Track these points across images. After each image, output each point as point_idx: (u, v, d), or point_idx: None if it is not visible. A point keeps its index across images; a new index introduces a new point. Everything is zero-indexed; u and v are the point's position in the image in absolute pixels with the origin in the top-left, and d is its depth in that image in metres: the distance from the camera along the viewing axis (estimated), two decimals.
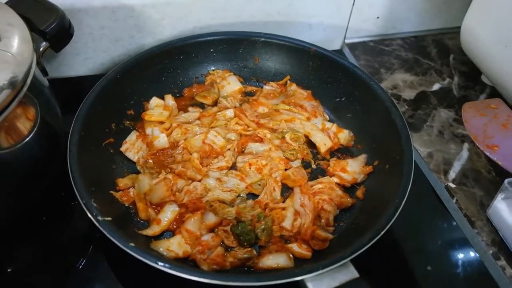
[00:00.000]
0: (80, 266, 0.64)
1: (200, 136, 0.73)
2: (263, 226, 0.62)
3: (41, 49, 0.68)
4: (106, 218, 0.55)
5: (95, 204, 0.57)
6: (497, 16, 0.79)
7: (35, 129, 0.62)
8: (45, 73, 0.70)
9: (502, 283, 0.63)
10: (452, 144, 0.81)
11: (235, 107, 0.81)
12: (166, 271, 0.50)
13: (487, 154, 0.66)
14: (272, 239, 0.63)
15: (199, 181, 0.69)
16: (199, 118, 0.79)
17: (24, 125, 0.61)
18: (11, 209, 0.64)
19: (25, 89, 0.57)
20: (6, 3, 0.67)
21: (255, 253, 0.61)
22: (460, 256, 0.67)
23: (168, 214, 0.64)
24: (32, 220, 0.67)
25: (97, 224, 0.54)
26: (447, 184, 0.74)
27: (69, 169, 0.60)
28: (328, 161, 0.75)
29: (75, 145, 0.63)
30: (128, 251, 0.52)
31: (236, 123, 0.77)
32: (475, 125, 0.71)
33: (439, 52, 1.01)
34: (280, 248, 0.61)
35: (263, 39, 0.85)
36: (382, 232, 0.55)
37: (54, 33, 0.68)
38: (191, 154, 0.71)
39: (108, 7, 0.82)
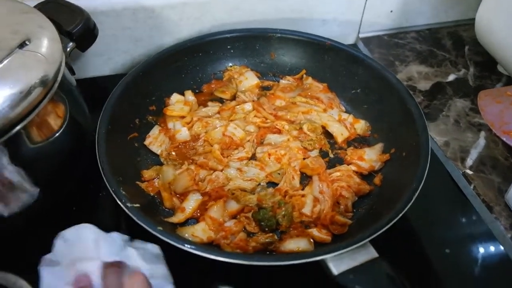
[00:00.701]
0: None
1: (220, 129, 0.76)
2: (283, 212, 0.64)
3: (68, 49, 0.71)
4: (135, 205, 0.58)
5: (123, 192, 0.59)
6: (510, 6, 0.80)
7: (65, 125, 0.65)
8: (72, 72, 0.74)
9: None
10: (469, 133, 0.81)
11: (253, 101, 0.83)
12: (194, 252, 0.52)
13: (504, 139, 0.67)
14: (292, 224, 0.65)
15: (221, 171, 0.71)
16: (218, 112, 0.81)
17: (55, 121, 0.64)
18: (43, 200, 0.67)
19: (55, 86, 0.60)
20: (34, 6, 0.71)
21: (276, 238, 0.63)
22: (479, 240, 0.67)
23: (192, 202, 0.67)
24: (63, 211, 0.70)
25: (126, 210, 0.57)
26: (465, 171, 0.75)
27: (98, 160, 0.63)
28: (346, 150, 0.76)
29: (102, 139, 0.66)
30: (157, 234, 0.54)
31: (255, 116, 0.79)
32: (491, 112, 0.71)
33: (454, 43, 1.01)
34: (300, 233, 0.63)
35: (278, 35, 0.87)
36: (401, 214, 0.56)
37: (80, 33, 0.71)
38: (212, 146, 0.74)
39: (128, 9, 0.85)
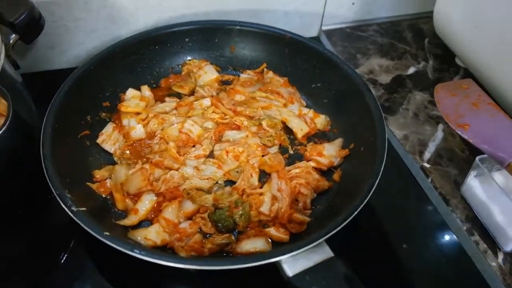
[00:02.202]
0: (62, 260, 0.63)
1: (177, 126, 0.73)
2: (240, 212, 0.62)
3: (10, 41, 0.67)
4: (81, 209, 0.55)
5: (69, 195, 0.56)
6: (458, 19, 0.81)
7: (7, 123, 0.61)
8: (16, 66, 0.69)
9: (476, 258, 0.65)
10: (427, 126, 0.82)
11: (212, 96, 0.81)
12: (142, 258, 0.50)
13: (459, 132, 0.67)
14: (250, 224, 0.63)
15: (177, 170, 0.68)
16: (176, 108, 0.78)
17: None
18: None
19: None
20: None
21: (233, 238, 0.61)
22: (436, 233, 0.68)
23: (146, 203, 0.64)
24: (7, 215, 0.66)
25: (71, 215, 0.54)
26: (422, 165, 0.75)
27: (42, 161, 0.59)
28: (305, 146, 0.75)
29: (48, 138, 0.62)
30: (104, 240, 0.52)
31: (213, 112, 0.77)
32: (447, 105, 0.72)
33: (414, 36, 1.02)
34: (258, 232, 0.62)
35: (238, 27, 0.85)
36: (356, 212, 0.55)
37: (23, 25, 0.67)
38: (167, 144, 0.71)
39: None
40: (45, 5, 0.78)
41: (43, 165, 0.59)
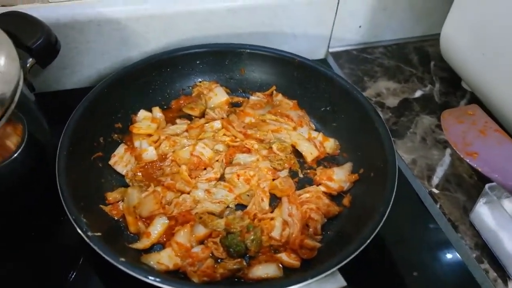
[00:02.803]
0: (71, 279, 0.64)
1: (188, 148, 0.74)
2: (252, 237, 0.63)
3: (27, 65, 0.68)
4: (96, 234, 0.56)
5: (84, 220, 0.57)
6: (474, 24, 0.82)
7: (23, 144, 0.62)
8: (32, 89, 0.71)
9: (486, 286, 0.65)
10: (435, 150, 0.83)
11: (222, 118, 0.82)
12: (157, 285, 0.51)
13: (468, 161, 0.68)
14: (261, 249, 0.64)
15: (188, 193, 0.69)
16: (187, 130, 0.79)
17: (12, 141, 0.61)
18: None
19: (13, 106, 0.57)
20: None
21: (244, 263, 0.62)
22: (445, 260, 0.68)
23: (158, 227, 0.65)
24: (20, 235, 0.67)
25: (87, 240, 0.55)
26: (431, 190, 0.76)
27: (58, 186, 0.60)
28: (315, 170, 0.76)
29: (63, 161, 0.63)
30: (119, 266, 0.52)
31: (224, 134, 0.78)
32: (454, 132, 0.72)
33: (420, 59, 1.03)
34: (269, 258, 0.62)
35: (248, 50, 0.86)
36: (368, 241, 0.56)
37: (40, 49, 0.68)
38: (179, 166, 0.72)
39: (93, 21, 0.82)
40: (59, 27, 0.80)
41: (59, 190, 0.59)
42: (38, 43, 0.68)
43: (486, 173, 0.65)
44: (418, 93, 0.95)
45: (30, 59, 0.69)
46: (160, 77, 0.84)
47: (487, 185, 0.66)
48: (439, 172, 0.79)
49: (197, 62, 0.86)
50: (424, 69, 1.01)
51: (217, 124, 0.80)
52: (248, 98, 0.87)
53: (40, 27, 0.69)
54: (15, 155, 0.61)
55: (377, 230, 0.57)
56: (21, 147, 0.62)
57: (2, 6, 0.79)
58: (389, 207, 0.60)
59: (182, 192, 0.69)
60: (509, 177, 0.62)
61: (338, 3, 0.95)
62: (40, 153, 0.68)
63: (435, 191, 0.76)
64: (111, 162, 0.73)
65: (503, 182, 0.63)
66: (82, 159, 0.69)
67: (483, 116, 0.76)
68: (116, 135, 0.77)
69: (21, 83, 0.60)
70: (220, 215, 0.68)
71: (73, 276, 0.64)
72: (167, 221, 0.65)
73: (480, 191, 0.68)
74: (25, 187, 0.65)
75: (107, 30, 0.84)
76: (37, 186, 0.68)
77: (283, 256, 0.62)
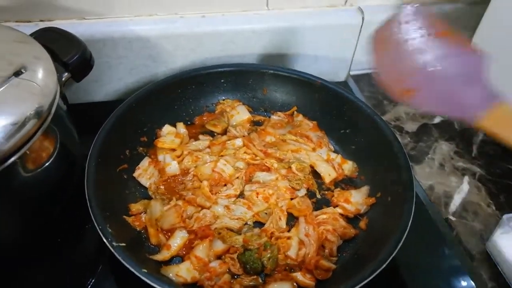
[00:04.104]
0: (89, 286, 0.66)
1: (210, 165, 0.76)
2: (269, 255, 0.64)
3: (63, 79, 0.72)
4: (121, 244, 0.58)
5: (110, 230, 0.59)
6: (497, 55, 0.82)
7: (55, 154, 0.65)
8: (66, 101, 0.74)
9: None
10: (453, 177, 0.83)
11: (243, 136, 0.84)
12: None
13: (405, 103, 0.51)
14: (277, 267, 0.65)
15: (208, 208, 0.71)
16: (209, 146, 0.82)
17: (45, 151, 0.64)
18: (29, 230, 0.67)
19: (49, 118, 0.60)
20: (31, 35, 0.71)
21: (260, 281, 0.63)
22: None
23: (178, 240, 0.67)
24: (46, 241, 0.69)
25: (112, 250, 0.57)
26: (447, 217, 0.76)
27: (87, 196, 0.63)
28: (333, 191, 0.77)
29: (92, 172, 0.66)
30: (141, 276, 0.54)
31: (245, 152, 0.80)
32: (384, 65, 0.54)
33: None
34: (284, 276, 0.64)
35: (271, 71, 0.88)
36: (383, 266, 0.57)
37: (76, 64, 0.71)
38: (201, 182, 0.74)
39: (125, 38, 0.86)
40: (93, 43, 0.83)
41: (87, 200, 0.62)
42: (74, 58, 0.71)
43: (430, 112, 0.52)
44: (437, 119, 0.96)
45: (66, 74, 0.72)
46: (185, 94, 0.87)
47: (505, 216, 0.66)
48: (457, 199, 0.79)
49: (222, 80, 0.89)
50: None
51: (239, 141, 0.82)
52: (269, 117, 0.90)
53: (77, 43, 0.73)
54: (47, 164, 0.63)
55: (393, 255, 0.58)
56: (53, 157, 0.65)
57: (41, 21, 0.84)
58: (406, 232, 0.61)
59: (203, 207, 0.71)
60: (460, 108, 0.48)
61: (361, 27, 0.97)
62: (69, 163, 0.71)
63: (452, 218, 0.76)
64: (135, 174, 0.76)
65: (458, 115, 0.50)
66: (109, 170, 0.72)
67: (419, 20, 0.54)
68: (141, 148, 0.80)
69: (57, 96, 0.64)
70: (238, 232, 0.69)
71: (91, 283, 0.66)
72: (187, 235, 0.68)
73: (498, 221, 0.69)
74: (54, 194, 0.68)
75: (137, 47, 0.88)
76: (65, 195, 0.71)
77: (298, 275, 0.63)
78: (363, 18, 0.95)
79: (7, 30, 0.68)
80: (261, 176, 0.77)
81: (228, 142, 0.82)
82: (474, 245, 0.72)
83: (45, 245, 0.69)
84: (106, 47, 0.86)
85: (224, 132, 0.86)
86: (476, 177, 0.83)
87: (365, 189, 0.76)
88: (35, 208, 0.65)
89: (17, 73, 0.60)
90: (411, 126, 0.94)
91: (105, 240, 0.58)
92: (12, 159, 0.55)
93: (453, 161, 0.87)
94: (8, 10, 0.81)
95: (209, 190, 0.73)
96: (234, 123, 0.87)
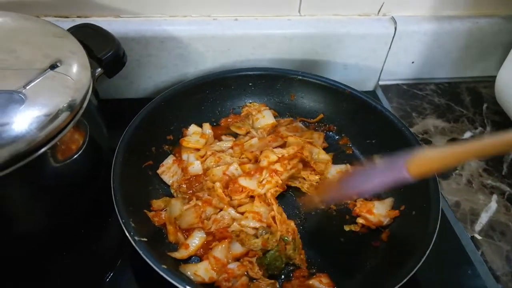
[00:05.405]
0: (108, 279, 0.67)
1: (222, 168, 0.76)
2: (292, 246, 0.65)
3: (96, 75, 0.74)
4: (143, 239, 0.59)
5: (133, 224, 0.60)
6: None
7: (84, 146, 0.66)
8: (97, 97, 0.76)
9: None
10: (481, 195, 0.81)
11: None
12: None
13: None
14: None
15: (221, 209, 0.71)
16: (232, 147, 0.82)
17: (75, 143, 0.66)
18: (55, 219, 0.68)
19: (81, 112, 0.61)
20: (68, 30, 0.73)
21: (277, 286, 0.63)
22: None
23: (196, 240, 0.67)
24: (71, 232, 0.71)
25: (133, 244, 0.58)
26: (473, 235, 0.74)
27: (112, 190, 0.64)
28: (355, 201, 0.76)
29: (119, 167, 0.67)
30: (161, 272, 0.55)
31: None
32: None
33: (473, 100, 1.02)
34: (301, 283, 0.63)
35: (300, 77, 0.88)
36: (404, 281, 0.56)
37: (109, 61, 0.72)
38: (213, 183, 0.74)
39: (157, 37, 0.88)
40: (126, 41, 0.85)
41: (113, 195, 0.63)
42: (108, 55, 0.72)
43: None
44: (467, 134, 0.93)
45: (99, 69, 0.73)
46: (213, 95, 0.88)
47: None
48: (484, 217, 0.77)
49: (250, 84, 0.90)
50: (476, 110, 0.99)
51: (254, 141, 0.82)
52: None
53: (111, 40, 0.74)
54: (76, 156, 0.65)
55: (414, 270, 0.57)
56: (82, 149, 0.66)
57: (78, 17, 0.87)
58: (430, 248, 0.59)
59: (220, 209, 0.71)
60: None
61: (393, 38, 0.96)
62: (98, 156, 0.73)
63: (478, 237, 0.74)
64: (159, 171, 0.77)
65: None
66: (134, 165, 0.73)
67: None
68: (166, 146, 0.81)
69: (90, 91, 0.65)
70: (255, 235, 0.69)
71: (110, 276, 0.67)
72: (204, 236, 0.68)
73: None
74: (81, 186, 0.70)
75: (169, 47, 0.89)
76: (92, 187, 0.72)
77: (315, 282, 0.63)
78: (395, 28, 0.94)
79: (47, 25, 0.71)
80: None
81: (246, 142, 0.82)
82: (500, 266, 0.70)
83: (69, 236, 0.71)
84: (138, 46, 0.88)
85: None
86: (505, 197, 0.81)
87: (389, 201, 0.75)
88: (63, 198, 0.67)
89: (53, 66, 0.62)
90: (440, 140, 0.92)
91: (127, 234, 0.59)
92: (44, 149, 0.56)
93: (482, 179, 0.84)
94: (49, 5, 0.84)
95: (222, 191, 0.72)
96: (258, 126, 0.87)
